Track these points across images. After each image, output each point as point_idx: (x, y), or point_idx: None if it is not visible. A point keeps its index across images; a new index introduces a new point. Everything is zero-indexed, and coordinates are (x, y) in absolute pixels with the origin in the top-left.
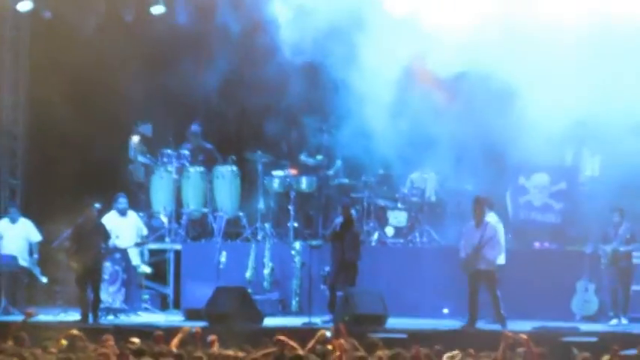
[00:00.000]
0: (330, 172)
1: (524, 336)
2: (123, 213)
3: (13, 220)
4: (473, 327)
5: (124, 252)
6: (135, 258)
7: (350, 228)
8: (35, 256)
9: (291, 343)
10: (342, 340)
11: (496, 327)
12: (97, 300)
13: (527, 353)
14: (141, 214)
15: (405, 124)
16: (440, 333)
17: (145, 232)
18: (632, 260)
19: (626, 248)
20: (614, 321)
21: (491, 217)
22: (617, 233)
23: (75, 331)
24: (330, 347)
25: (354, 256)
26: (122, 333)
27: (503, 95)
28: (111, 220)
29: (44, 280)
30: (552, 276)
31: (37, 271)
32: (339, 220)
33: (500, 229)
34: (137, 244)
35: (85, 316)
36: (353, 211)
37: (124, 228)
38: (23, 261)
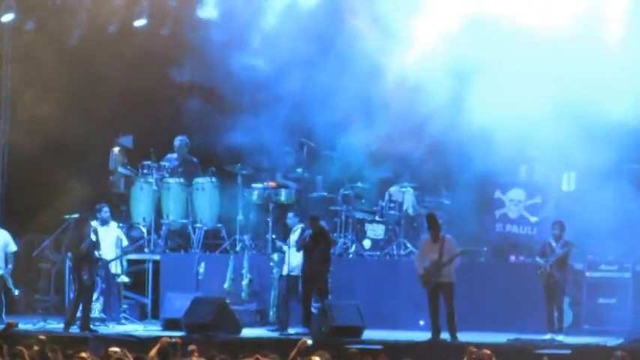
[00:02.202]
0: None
1: (487, 351)
2: (105, 223)
3: None
4: (438, 339)
5: (103, 262)
6: (114, 267)
7: (319, 241)
8: (10, 266)
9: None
10: None
11: (471, 338)
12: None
13: None
14: (121, 224)
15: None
16: (415, 345)
17: (125, 242)
18: (566, 273)
19: (558, 258)
20: (547, 336)
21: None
22: (554, 247)
23: (42, 337)
24: (315, 358)
25: (324, 270)
26: (101, 342)
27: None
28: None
29: (16, 292)
30: (527, 289)
31: (10, 282)
32: (307, 232)
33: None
34: (121, 256)
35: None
36: (324, 223)
37: (104, 238)
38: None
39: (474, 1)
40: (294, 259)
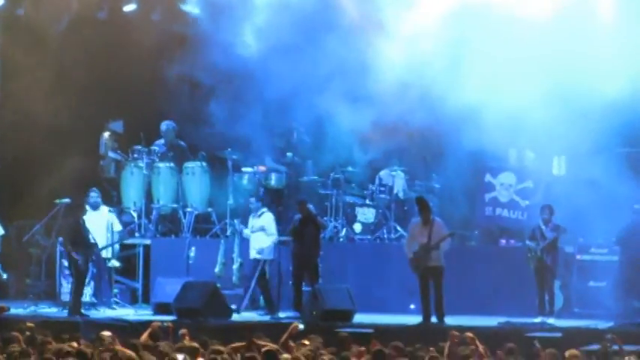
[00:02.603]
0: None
1: (470, 334)
2: (95, 207)
3: None
4: (429, 323)
5: (95, 247)
6: (105, 252)
7: (308, 225)
8: None
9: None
10: None
11: (461, 322)
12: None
13: (474, 350)
14: (111, 209)
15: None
16: (405, 328)
17: (117, 227)
18: (557, 256)
19: (549, 242)
20: (537, 319)
21: None
22: (544, 230)
23: (30, 324)
24: (306, 342)
25: (314, 254)
26: (92, 327)
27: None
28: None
29: (4, 276)
30: (518, 273)
31: None
32: (297, 217)
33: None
34: (114, 243)
35: (77, 309)
36: (311, 207)
37: (94, 222)
38: None
39: None
40: (257, 243)
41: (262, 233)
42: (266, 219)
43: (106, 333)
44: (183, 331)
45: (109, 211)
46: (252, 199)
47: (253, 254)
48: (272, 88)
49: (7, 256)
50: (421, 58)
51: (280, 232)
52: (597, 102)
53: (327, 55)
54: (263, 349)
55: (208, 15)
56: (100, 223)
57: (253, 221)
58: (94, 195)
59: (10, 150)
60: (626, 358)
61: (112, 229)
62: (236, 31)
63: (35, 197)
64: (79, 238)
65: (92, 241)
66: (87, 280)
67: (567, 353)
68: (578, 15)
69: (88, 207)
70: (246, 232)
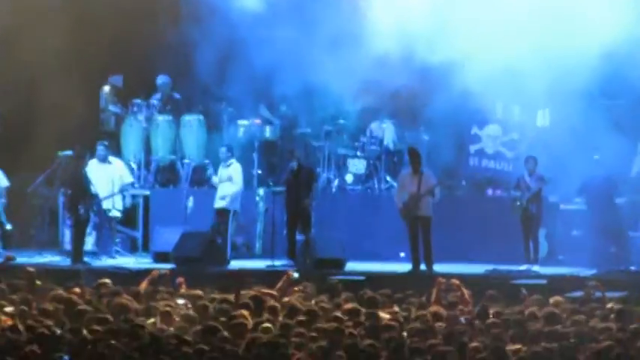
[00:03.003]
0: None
1: (456, 281)
2: (102, 160)
3: None
4: (418, 270)
5: (96, 198)
6: (106, 203)
7: (301, 174)
8: (2, 200)
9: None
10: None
11: (449, 269)
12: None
13: (459, 296)
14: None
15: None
16: (395, 276)
17: (128, 179)
18: (541, 206)
19: (534, 192)
20: (523, 266)
21: None
22: (528, 181)
23: (30, 269)
24: (296, 288)
25: (307, 203)
26: (93, 275)
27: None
28: (91, 168)
29: (8, 226)
30: (504, 222)
31: (3, 216)
32: (292, 164)
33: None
34: (114, 194)
35: (78, 258)
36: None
37: (102, 174)
38: None
39: None
40: (222, 191)
41: (229, 183)
42: (233, 169)
43: (106, 280)
44: (180, 279)
45: (123, 164)
46: (223, 149)
47: (218, 203)
48: (262, 52)
49: (12, 207)
50: (409, 22)
51: (275, 183)
52: (580, 58)
53: (317, 21)
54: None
55: None
56: (107, 175)
57: (222, 171)
58: (101, 148)
59: (11, 103)
60: (609, 304)
61: (123, 181)
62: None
63: (37, 149)
64: (80, 188)
65: (93, 191)
66: (89, 230)
67: (552, 300)
68: None
69: (95, 159)
70: (215, 179)
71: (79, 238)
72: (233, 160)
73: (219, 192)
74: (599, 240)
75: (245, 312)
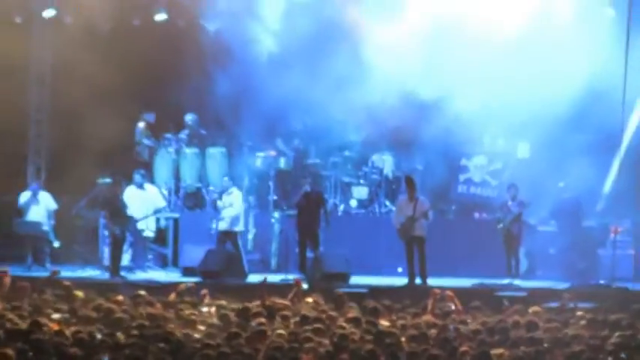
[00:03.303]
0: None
1: (449, 292)
2: (139, 186)
3: (35, 193)
4: (413, 283)
5: (132, 219)
6: (140, 224)
7: (311, 198)
8: (52, 222)
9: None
10: None
11: (441, 283)
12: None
13: (455, 307)
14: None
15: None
16: (394, 288)
17: (162, 203)
18: (522, 227)
19: (515, 215)
20: (506, 280)
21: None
22: (510, 205)
23: (67, 282)
24: (308, 300)
25: (315, 225)
26: (129, 287)
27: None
28: (129, 193)
29: (56, 244)
30: (489, 241)
31: (52, 235)
32: (305, 188)
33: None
34: (147, 216)
35: (116, 272)
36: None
37: (137, 200)
38: (45, 226)
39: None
40: (224, 215)
41: (230, 208)
42: (234, 196)
43: (142, 292)
44: (204, 291)
45: (157, 190)
46: (226, 178)
47: (221, 225)
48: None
49: (59, 227)
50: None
51: (288, 207)
52: (556, 98)
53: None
54: (265, 303)
55: (225, 28)
56: (143, 200)
57: (225, 197)
58: (138, 176)
59: (59, 137)
60: (578, 313)
61: (154, 204)
62: (252, 33)
63: (81, 177)
64: (117, 211)
65: (128, 214)
66: (125, 248)
67: (531, 309)
68: (541, 26)
69: (133, 186)
70: (220, 204)
71: (116, 255)
72: (234, 188)
73: (222, 215)
74: (569, 257)
75: (263, 319)
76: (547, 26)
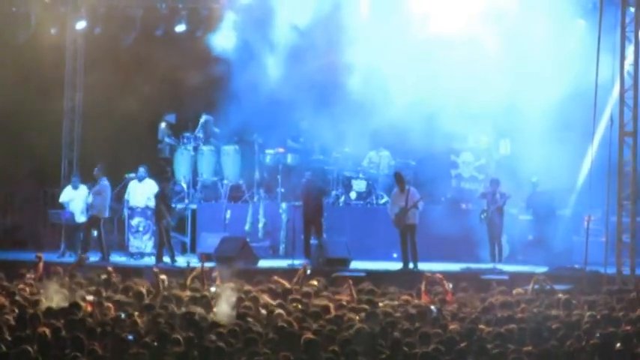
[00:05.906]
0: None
1: (439, 275)
2: (140, 180)
3: (75, 187)
4: (407, 268)
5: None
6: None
7: (313, 191)
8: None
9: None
10: None
11: (432, 267)
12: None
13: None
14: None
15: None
16: (390, 272)
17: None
18: (502, 217)
19: (497, 206)
20: (490, 265)
21: None
22: (492, 196)
23: (110, 268)
24: (312, 282)
25: (318, 214)
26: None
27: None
28: (132, 185)
29: (95, 232)
30: (475, 229)
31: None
32: (305, 180)
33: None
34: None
35: (173, 258)
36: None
37: (139, 190)
38: (80, 217)
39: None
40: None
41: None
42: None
43: (163, 276)
44: (215, 274)
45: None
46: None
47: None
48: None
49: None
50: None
51: (292, 199)
52: (537, 100)
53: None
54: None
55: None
56: (143, 191)
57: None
58: (142, 170)
59: (90, 133)
60: (557, 295)
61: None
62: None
63: (110, 173)
64: (166, 204)
65: (172, 206)
66: (148, 236)
67: (514, 291)
68: (520, 37)
69: (136, 179)
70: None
71: (163, 243)
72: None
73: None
74: (545, 244)
75: (271, 300)
76: (525, 37)
